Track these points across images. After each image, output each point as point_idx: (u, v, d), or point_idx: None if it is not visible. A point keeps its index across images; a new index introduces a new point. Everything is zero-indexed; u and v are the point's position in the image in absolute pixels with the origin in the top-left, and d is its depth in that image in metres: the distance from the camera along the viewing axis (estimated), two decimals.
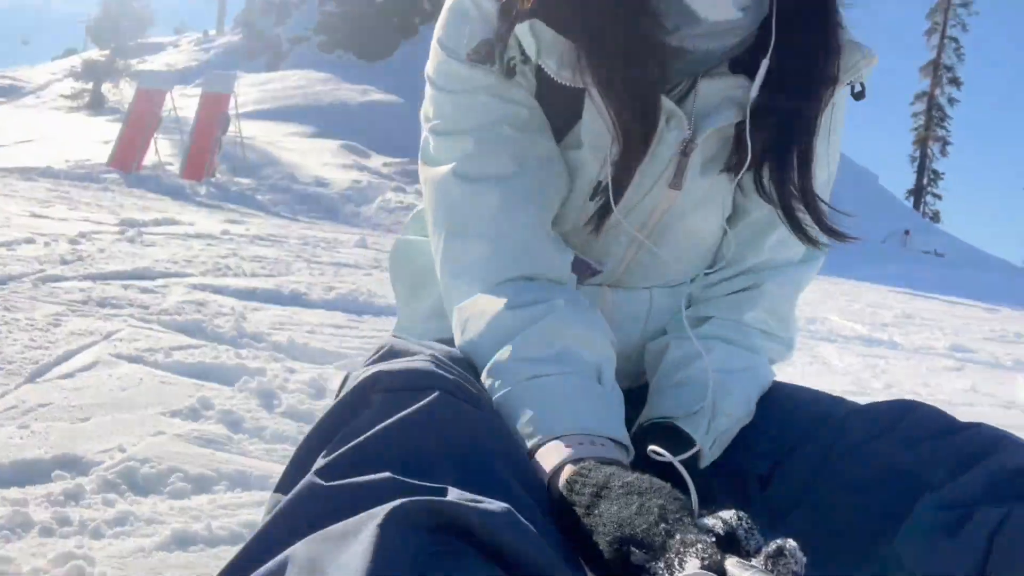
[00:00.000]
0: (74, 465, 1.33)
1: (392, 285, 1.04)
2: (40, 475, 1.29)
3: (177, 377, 1.92)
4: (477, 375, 0.71)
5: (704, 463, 0.83)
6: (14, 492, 1.21)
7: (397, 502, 0.46)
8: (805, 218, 0.84)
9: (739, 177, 0.84)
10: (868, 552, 0.74)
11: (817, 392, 0.92)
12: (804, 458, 0.81)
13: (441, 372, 0.65)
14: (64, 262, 3.27)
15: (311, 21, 32.67)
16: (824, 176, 0.90)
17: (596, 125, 0.79)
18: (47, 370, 1.85)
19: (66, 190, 7.29)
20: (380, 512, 0.45)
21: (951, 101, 30.80)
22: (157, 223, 5.28)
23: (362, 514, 0.47)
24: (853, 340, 4.59)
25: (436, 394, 0.60)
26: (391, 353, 0.71)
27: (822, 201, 0.85)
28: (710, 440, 0.81)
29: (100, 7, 23.46)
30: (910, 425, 0.77)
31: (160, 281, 3.17)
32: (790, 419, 0.86)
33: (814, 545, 0.78)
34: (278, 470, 0.50)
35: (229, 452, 1.49)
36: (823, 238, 0.85)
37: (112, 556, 1.04)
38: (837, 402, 0.87)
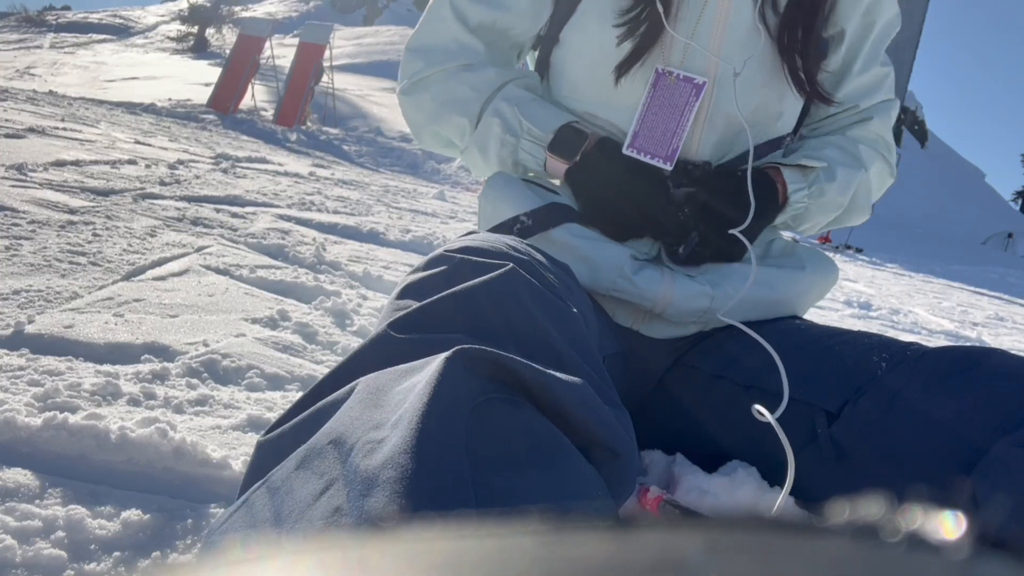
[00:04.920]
0: (162, 352, 1.41)
1: (479, 210, 1.05)
2: (130, 357, 1.37)
3: (259, 291, 2.01)
4: (553, 260, 0.72)
5: (784, 214, 0.97)
6: (107, 367, 1.29)
7: (467, 346, 0.47)
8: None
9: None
10: (938, 487, 0.71)
11: (892, 337, 0.89)
12: (876, 396, 0.79)
13: (517, 251, 0.66)
14: (162, 183, 3.43)
15: None
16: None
17: None
18: (142, 272, 1.96)
19: (167, 125, 7.62)
20: (449, 352, 0.46)
21: None
22: (249, 160, 5.47)
23: (431, 357, 0.48)
24: (938, 334, 4.38)
25: (510, 267, 0.61)
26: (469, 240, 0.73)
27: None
28: (798, 197, 0.95)
29: None
30: (989, 366, 0.74)
31: (249, 208, 3.30)
32: (864, 358, 0.84)
33: (880, 480, 0.77)
34: None
35: (303, 359, 1.55)
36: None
37: (192, 428, 1.11)
38: (914, 345, 0.85)
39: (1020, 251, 17.17)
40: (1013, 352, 0.76)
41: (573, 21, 0.95)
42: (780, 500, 0.72)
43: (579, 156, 0.91)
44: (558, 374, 0.49)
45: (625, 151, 0.91)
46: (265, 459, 0.46)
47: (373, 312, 2.00)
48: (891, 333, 3.96)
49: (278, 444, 0.47)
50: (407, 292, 0.62)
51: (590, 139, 0.91)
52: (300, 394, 1.36)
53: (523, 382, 0.47)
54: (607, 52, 0.92)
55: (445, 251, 0.64)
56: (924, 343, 0.85)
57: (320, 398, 0.51)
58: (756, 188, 0.89)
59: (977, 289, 8.74)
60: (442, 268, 0.62)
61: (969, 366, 0.75)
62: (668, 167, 0.90)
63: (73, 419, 0.99)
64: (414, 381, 0.45)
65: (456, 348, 0.46)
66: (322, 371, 1.50)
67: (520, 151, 0.95)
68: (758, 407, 0.76)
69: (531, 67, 1.09)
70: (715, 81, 0.91)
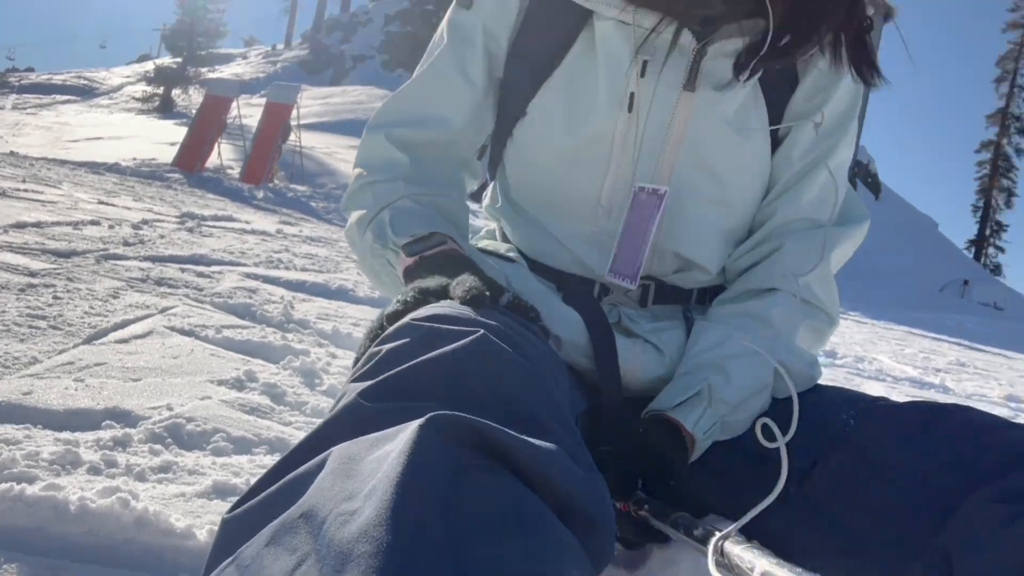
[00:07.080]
0: (124, 417, 1.37)
1: None
2: (91, 423, 1.33)
3: (226, 352, 1.97)
4: (523, 323, 0.72)
5: (695, 454, 0.84)
6: (66, 435, 1.25)
7: (440, 412, 0.46)
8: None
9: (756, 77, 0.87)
10: (911, 545, 0.71)
11: (859, 392, 0.90)
12: (846, 452, 0.80)
13: (486, 316, 0.65)
14: (126, 244, 3.39)
15: (375, 40, 33.48)
16: None
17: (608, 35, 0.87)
18: (104, 335, 1.92)
19: (131, 184, 7.57)
20: (422, 418, 0.45)
21: (1019, 151, 30.00)
22: (216, 218, 5.44)
23: (404, 424, 0.47)
24: (903, 381, 4.45)
25: (480, 332, 0.60)
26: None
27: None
28: (705, 428, 0.83)
29: (176, 17, 24.52)
30: (959, 422, 0.75)
31: (215, 268, 3.27)
32: (832, 415, 0.85)
33: (853, 537, 0.77)
34: None
35: (271, 420, 1.52)
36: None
37: (155, 497, 1.07)
38: (881, 400, 0.86)
39: (976, 298, 17.67)
40: (978, 408, 0.77)
41: (526, 119, 0.93)
42: (776, 490, 0.71)
43: (419, 257, 0.80)
44: (532, 440, 0.48)
45: (607, 276, 0.89)
46: (232, 536, 0.44)
47: (343, 371, 1.98)
48: (857, 380, 4.01)
49: (245, 520, 0.45)
50: (375, 360, 0.61)
51: (440, 246, 0.80)
52: (268, 458, 1.33)
53: (498, 448, 0.46)
54: (567, 135, 0.90)
55: (412, 320, 0.63)
56: (890, 390, 0.86)
57: (289, 471, 0.49)
58: (659, 444, 0.82)
59: (937, 336, 8.94)
60: (410, 337, 0.60)
61: (937, 421, 0.76)
62: (633, 286, 0.87)
63: (31, 490, 0.96)
64: (387, 450, 0.44)
65: (429, 415, 0.45)
66: (291, 432, 1.47)
67: (387, 261, 0.86)
68: (765, 420, 0.73)
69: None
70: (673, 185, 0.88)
